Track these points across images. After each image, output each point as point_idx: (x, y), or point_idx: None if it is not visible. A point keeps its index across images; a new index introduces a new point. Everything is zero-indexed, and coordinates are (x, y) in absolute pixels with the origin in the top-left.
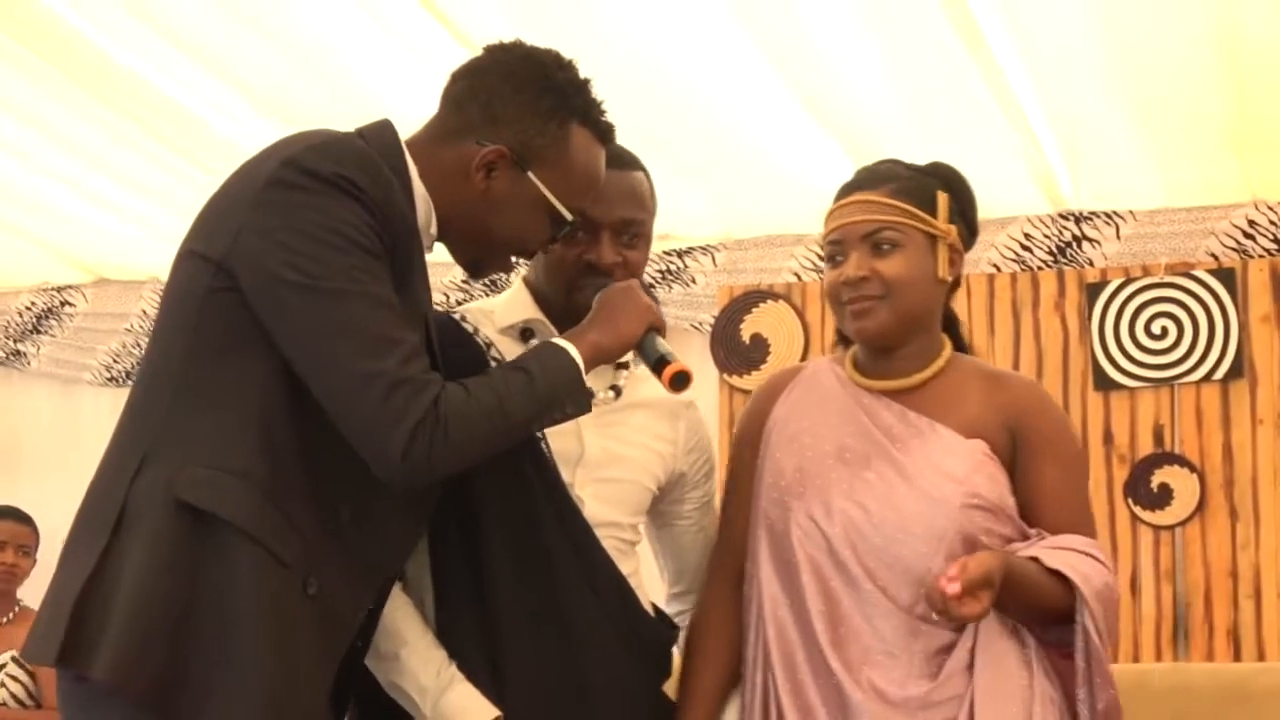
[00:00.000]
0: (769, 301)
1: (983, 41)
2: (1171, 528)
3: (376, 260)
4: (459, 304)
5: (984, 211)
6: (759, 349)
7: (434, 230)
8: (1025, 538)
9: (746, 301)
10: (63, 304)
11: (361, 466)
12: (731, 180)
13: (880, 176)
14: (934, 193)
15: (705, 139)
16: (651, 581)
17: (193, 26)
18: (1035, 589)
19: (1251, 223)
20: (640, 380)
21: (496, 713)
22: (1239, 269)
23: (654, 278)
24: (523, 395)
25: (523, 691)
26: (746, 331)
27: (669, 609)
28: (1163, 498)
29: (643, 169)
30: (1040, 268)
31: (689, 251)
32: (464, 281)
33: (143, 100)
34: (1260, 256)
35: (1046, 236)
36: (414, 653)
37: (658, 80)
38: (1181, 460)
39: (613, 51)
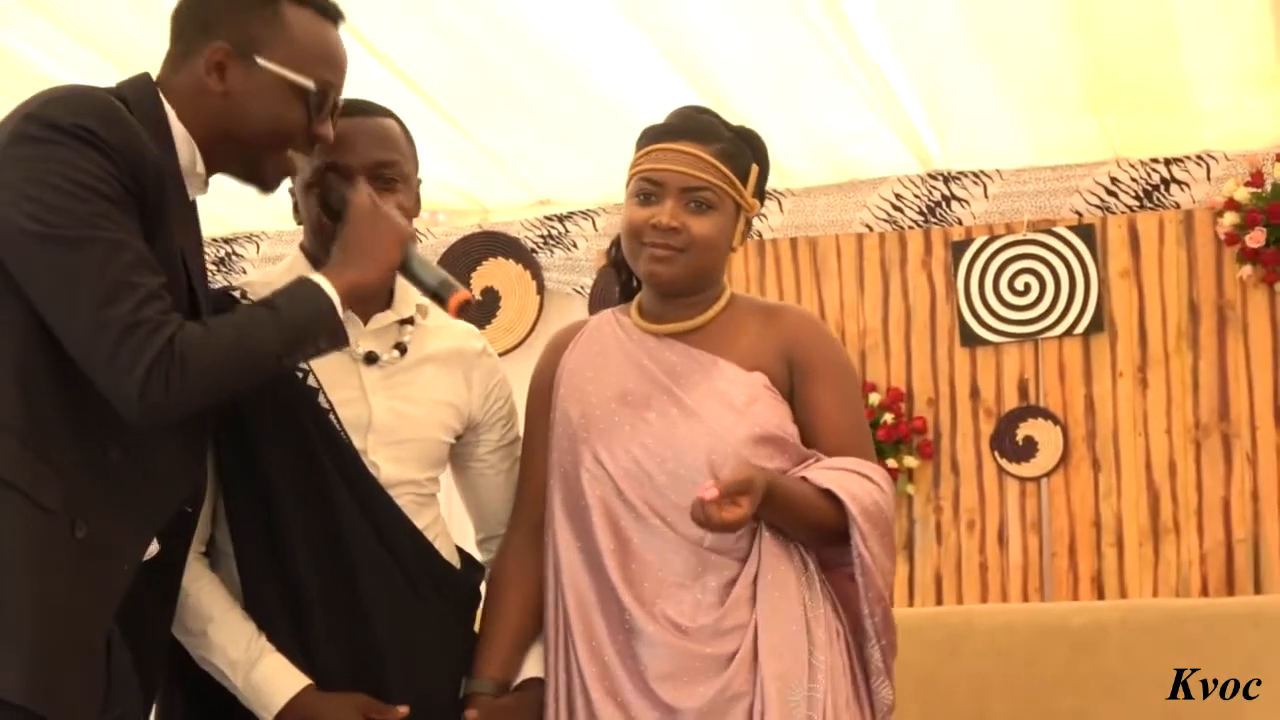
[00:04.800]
0: None
1: (840, 8)
2: (1037, 479)
3: (117, 207)
4: None
5: (855, 172)
6: None
7: (201, 170)
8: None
9: None
10: None
11: None
12: (611, 145)
13: (707, 131)
14: (749, 164)
15: (584, 104)
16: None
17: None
18: (807, 508)
19: (1114, 180)
20: (428, 334)
21: (307, 682)
22: (1098, 225)
23: (535, 242)
24: (267, 328)
25: (328, 657)
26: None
27: (479, 558)
28: (1028, 450)
29: (396, 119)
30: (911, 227)
31: (569, 216)
32: None
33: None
34: (1123, 213)
35: (917, 196)
36: (221, 628)
37: (536, 48)
38: (1045, 413)
39: (491, 18)
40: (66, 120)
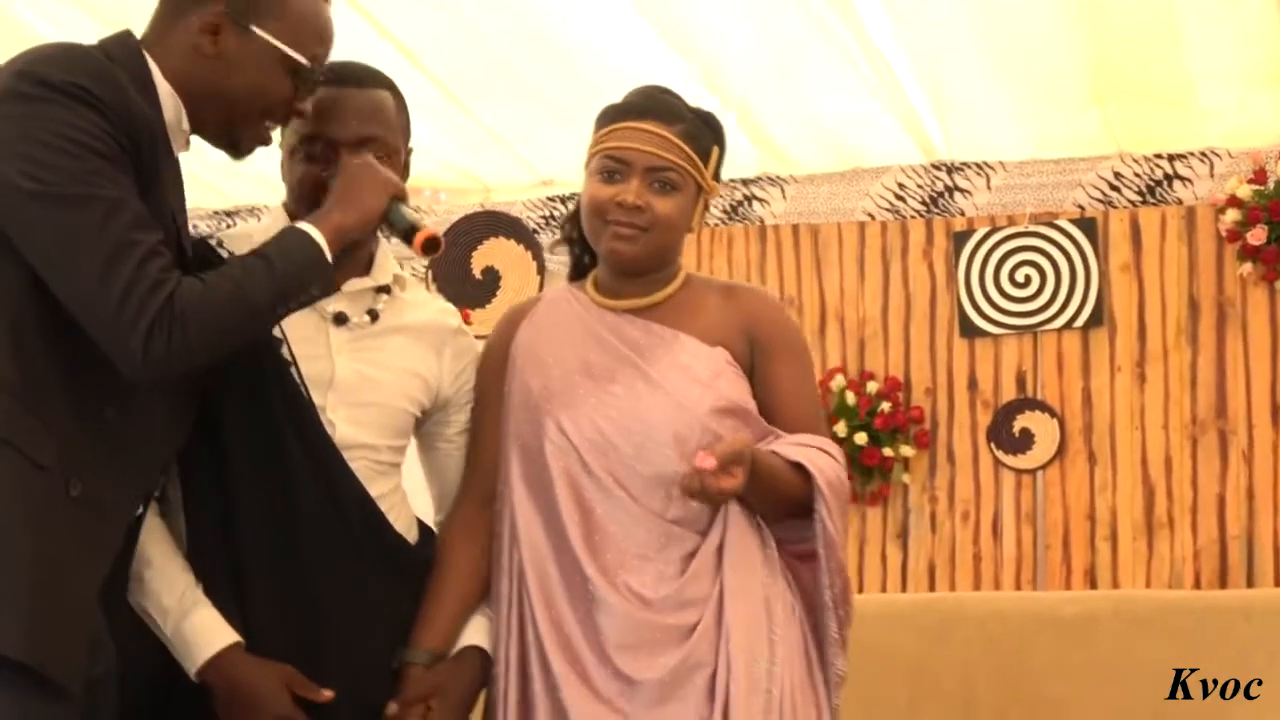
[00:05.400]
0: None
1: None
2: (1032, 471)
3: (113, 165)
4: None
5: (859, 161)
6: None
7: (186, 126)
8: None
9: None
10: None
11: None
12: None
13: (671, 112)
14: (710, 145)
15: (588, 87)
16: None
17: None
18: (779, 480)
19: (1117, 174)
20: (403, 306)
21: (236, 638)
22: (1100, 219)
23: (537, 223)
24: (262, 280)
25: (265, 615)
26: None
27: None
28: (1024, 442)
29: (389, 88)
30: (913, 216)
31: (571, 197)
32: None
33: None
34: (1125, 207)
35: (920, 186)
36: (158, 574)
37: (540, 30)
38: (1042, 406)
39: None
40: (59, 78)
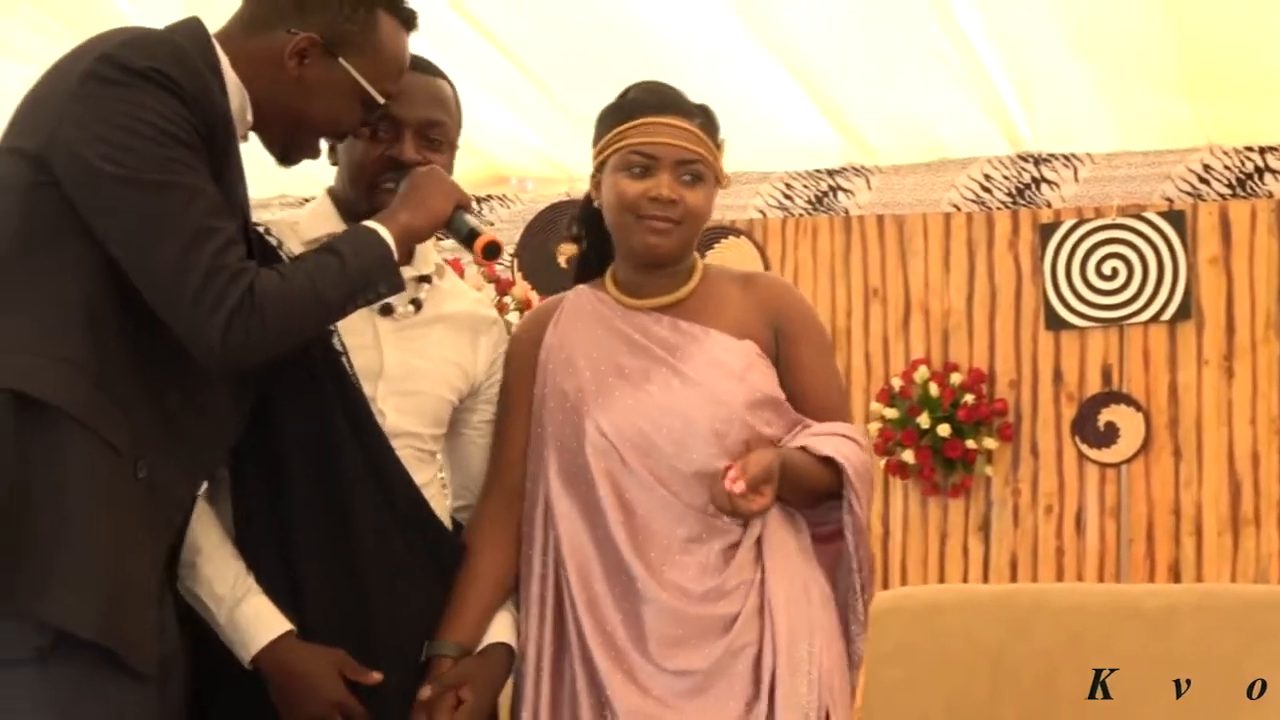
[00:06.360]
0: (731, 237)
1: None
2: (1117, 465)
3: (192, 152)
4: None
5: (945, 152)
6: None
7: (249, 118)
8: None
9: (709, 238)
10: None
11: (187, 351)
12: None
13: (686, 106)
14: (719, 138)
15: (674, 78)
16: None
17: None
18: (808, 476)
19: (1207, 167)
20: (443, 295)
21: (289, 626)
22: (1189, 211)
23: None
24: (336, 277)
25: (318, 603)
26: None
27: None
28: (1109, 436)
29: (448, 79)
30: (999, 208)
31: None
32: None
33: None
34: (1214, 200)
35: (1006, 178)
36: (210, 561)
37: (627, 19)
38: (1128, 399)
39: None
40: (142, 63)
